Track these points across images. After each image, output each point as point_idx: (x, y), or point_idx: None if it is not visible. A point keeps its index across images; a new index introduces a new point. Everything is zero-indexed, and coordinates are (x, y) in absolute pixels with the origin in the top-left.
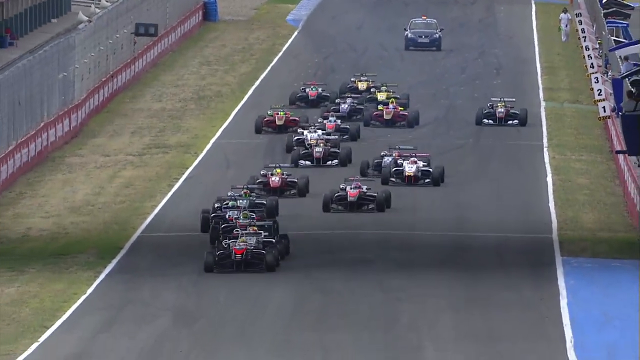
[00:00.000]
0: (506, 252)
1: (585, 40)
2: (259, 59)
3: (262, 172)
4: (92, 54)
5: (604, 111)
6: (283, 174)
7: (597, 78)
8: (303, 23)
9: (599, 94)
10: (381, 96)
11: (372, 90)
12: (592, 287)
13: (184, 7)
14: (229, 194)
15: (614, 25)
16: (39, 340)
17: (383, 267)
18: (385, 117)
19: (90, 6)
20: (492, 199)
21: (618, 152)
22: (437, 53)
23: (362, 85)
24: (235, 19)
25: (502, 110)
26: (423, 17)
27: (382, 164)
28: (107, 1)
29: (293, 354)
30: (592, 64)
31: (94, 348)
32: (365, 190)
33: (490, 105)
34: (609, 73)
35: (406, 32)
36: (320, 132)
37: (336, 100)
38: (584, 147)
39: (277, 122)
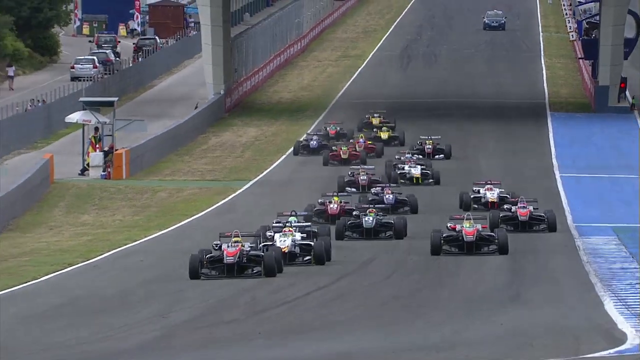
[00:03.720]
0: (522, 109)
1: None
2: (396, 9)
3: (319, 201)
4: (312, 9)
5: (572, 37)
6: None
7: (569, 20)
8: None
9: (570, 28)
10: (375, 121)
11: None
12: (565, 126)
13: None
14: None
15: None
16: (285, 154)
17: (459, 118)
18: (358, 149)
19: None
20: (513, 82)
21: (580, 58)
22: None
23: (375, 121)
24: None
25: (430, 146)
26: (494, 10)
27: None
28: None
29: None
30: (566, 12)
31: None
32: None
33: (419, 142)
34: (575, 16)
35: (484, 19)
36: (364, 175)
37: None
38: (562, 55)
39: (342, 156)
